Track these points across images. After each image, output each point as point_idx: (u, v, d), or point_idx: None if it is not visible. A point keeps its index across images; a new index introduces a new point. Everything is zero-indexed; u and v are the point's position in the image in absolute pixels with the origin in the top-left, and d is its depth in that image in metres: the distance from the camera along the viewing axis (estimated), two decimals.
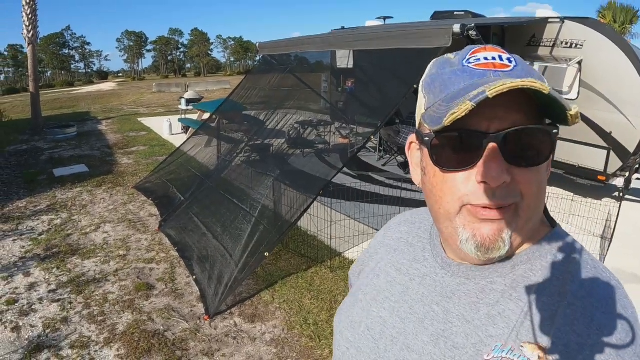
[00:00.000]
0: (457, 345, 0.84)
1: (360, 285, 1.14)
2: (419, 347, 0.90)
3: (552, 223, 0.95)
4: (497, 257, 0.83)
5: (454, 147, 0.80)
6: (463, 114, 0.71)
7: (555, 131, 0.80)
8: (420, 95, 0.88)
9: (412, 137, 0.95)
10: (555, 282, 0.83)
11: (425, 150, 0.85)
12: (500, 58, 0.80)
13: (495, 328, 0.82)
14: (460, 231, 0.83)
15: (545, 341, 0.76)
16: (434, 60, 0.90)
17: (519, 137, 0.77)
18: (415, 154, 0.95)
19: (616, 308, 0.78)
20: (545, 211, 0.94)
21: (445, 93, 0.79)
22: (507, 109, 0.77)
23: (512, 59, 0.80)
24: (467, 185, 0.80)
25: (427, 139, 0.83)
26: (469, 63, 0.81)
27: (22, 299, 4.98)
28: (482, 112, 0.75)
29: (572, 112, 0.73)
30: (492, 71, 0.78)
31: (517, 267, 0.87)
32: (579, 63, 7.80)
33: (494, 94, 0.69)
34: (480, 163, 0.77)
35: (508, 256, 0.87)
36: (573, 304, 0.78)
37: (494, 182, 0.76)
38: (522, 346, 0.77)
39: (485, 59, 0.80)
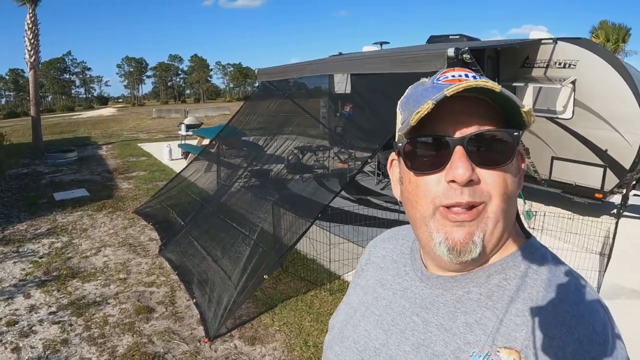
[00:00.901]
0: (437, 353, 0.89)
1: (351, 302, 1.19)
2: (401, 356, 0.95)
3: (527, 235, 1.00)
4: (470, 259, 0.88)
5: (425, 151, 0.89)
6: (426, 112, 0.81)
7: (515, 134, 0.86)
8: (398, 113, 0.97)
9: (393, 155, 1.03)
10: (528, 289, 0.87)
11: (402, 160, 0.93)
12: (467, 75, 0.88)
13: (473, 335, 0.86)
14: (434, 235, 0.89)
15: (519, 345, 0.81)
16: (411, 85, 0.98)
17: (483, 140, 0.85)
18: (395, 170, 1.02)
19: (587, 311, 0.82)
20: (520, 223, 1.01)
21: (416, 107, 0.86)
22: (471, 115, 0.86)
23: (477, 77, 0.87)
24: (438, 186, 0.87)
25: (400, 144, 0.92)
26: (439, 81, 0.89)
27: (23, 320, 5.00)
28: (450, 119, 0.86)
29: (525, 109, 0.83)
30: (456, 85, 0.84)
31: (492, 277, 0.92)
32: (573, 83, 7.90)
33: (451, 93, 0.80)
34: (449, 164, 0.85)
35: (483, 266, 0.93)
36: (545, 309, 0.83)
37: (460, 179, 0.83)
38: (498, 351, 0.82)
39: (453, 76, 0.88)
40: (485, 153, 0.85)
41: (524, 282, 0.89)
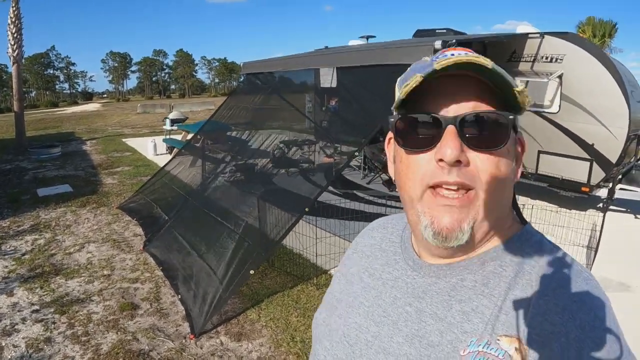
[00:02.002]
0: (432, 344, 0.87)
1: (332, 291, 1.17)
2: (394, 348, 0.92)
3: (523, 221, 0.98)
4: (456, 245, 0.85)
5: (417, 129, 0.87)
6: (414, 85, 0.80)
7: (511, 117, 0.84)
8: (396, 90, 0.92)
9: (390, 133, 0.98)
10: (526, 275, 0.85)
11: (394, 137, 0.92)
12: (466, 54, 0.83)
13: (470, 324, 0.84)
14: (421, 218, 0.87)
15: (520, 333, 0.78)
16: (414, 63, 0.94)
17: (476, 122, 0.83)
18: (391, 149, 0.99)
19: (588, 296, 0.80)
20: (517, 210, 0.98)
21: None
22: (465, 95, 0.84)
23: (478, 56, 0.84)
24: (427, 165, 0.84)
25: (392, 120, 0.90)
26: (437, 58, 0.84)
27: (5, 319, 4.92)
28: (443, 98, 0.85)
29: (519, 89, 0.81)
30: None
31: (487, 264, 0.90)
32: (560, 77, 7.92)
33: (440, 67, 0.78)
34: (439, 144, 0.83)
35: (477, 252, 0.91)
36: (545, 294, 0.81)
37: (448, 158, 0.80)
38: (498, 339, 0.80)
39: (452, 54, 0.83)
40: (477, 135, 0.83)
41: (521, 269, 0.87)
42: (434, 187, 0.84)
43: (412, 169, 0.87)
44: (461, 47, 0.89)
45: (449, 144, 0.80)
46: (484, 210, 0.84)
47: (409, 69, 0.92)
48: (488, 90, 0.84)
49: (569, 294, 0.80)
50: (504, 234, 0.92)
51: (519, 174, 0.93)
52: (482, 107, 0.83)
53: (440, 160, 0.82)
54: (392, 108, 0.91)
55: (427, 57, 0.91)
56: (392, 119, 0.90)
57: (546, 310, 0.78)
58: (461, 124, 0.82)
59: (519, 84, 0.81)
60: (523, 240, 0.92)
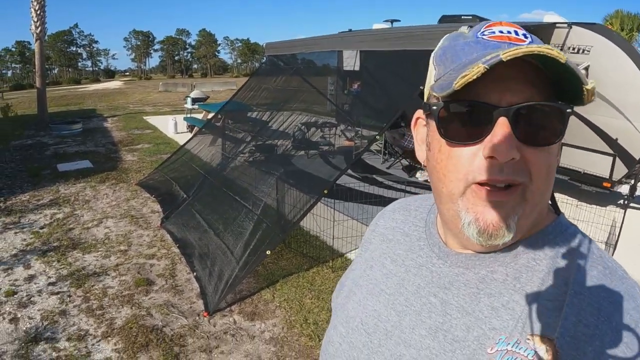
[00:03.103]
0: (457, 339, 0.81)
1: (353, 276, 1.11)
2: (416, 341, 0.86)
3: (557, 211, 0.92)
4: (501, 244, 0.79)
5: (463, 119, 0.77)
6: (475, 77, 0.67)
7: (569, 110, 0.75)
8: (431, 67, 0.85)
9: (419, 112, 0.90)
10: (561, 271, 0.79)
11: (432, 124, 0.81)
12: (516, 33, 0.77)
13: (499, 320, 0.78)
14: (462, 214, 0.79)
15: (552, 333, 0.73)
16: (447, 35, 0.86)
17: (531, 114, 0.74)
18: (421, 130, 0.90)
19: (624, 297, 0.75)
20: (552, 199, 0.91)
21: (456, 63, 0.76)
22: (520, 82, 0.73)
23: (527, 35, 0.77)
24: (473, 161, 0.76)
25: (435, 108, 0.79)
26: (483, 35, 0.78)
27: (21, 291, 4.96)
28: (495, 85, 0.73)
29: (589, 87, 0.70)
30: (506, 43, 0.74)
31: (519, 256, 0.83)
32: (586, 69, 7.77)
33: (508, 58, 0.66)
34: (489, 137, 0.73)
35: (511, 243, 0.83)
36: (580, 293, 0.75)
37: (502, 157, 0.72)
38: (528, 339, 0.74)
39: (501, 32, 0.77)
40: (532, 128, 0.74)
41: (554, 263, 0.81)
42: (479, 182, 0.76)
43: (453, 162, 0.79)
44: (506, 22, 0.80)
45: (503, 140, 0.72)
46: (530, 205, 0.77)
47: (444, 42, 0.85)
48: (544, 76, 0.74)
49: (604, 294, 0.75)
50: (539, 225, 0.85)
51: (559, 161, 0.84)
52: (537, 96, 0.74)
53: (491, 157, 0.73)
54: (434, 93, 0.78)
55: (465, 29, 0.84)
56: (435, 107, 0.79)
57: (580, 311, 0.73)
58: (515, 116, 0.73)
59: (589, 81, 0.70)
60: (557, 232, 0.85)
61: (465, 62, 0.74)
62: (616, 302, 0.74)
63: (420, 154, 0.92)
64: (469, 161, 0.76)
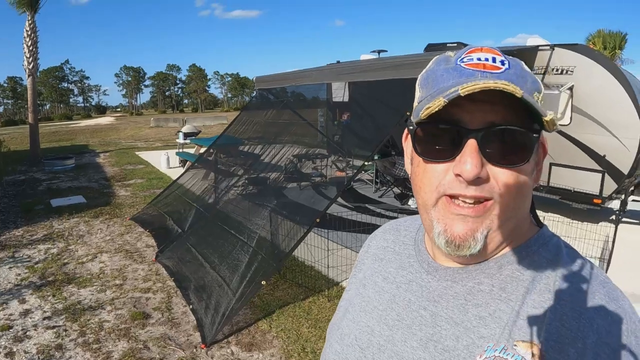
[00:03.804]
0: (447, 348, 0.85)
1: (348, 297, 1.14)
2: (408, 353, 0.90)
3: (539, 224, 0.95)
4: (468, 254, 0.83)
5: (436, 139, 0.83)
6: (436, 109, 0.76)
7: (535, 135, 0.80)
8: (417, 88, 0.91)
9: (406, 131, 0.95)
10: (544, 280, 0.83)
11: (411, 144, 0.88)
12: (494, 60, 0.82)
13: (487, 329, 0.82)
14: (434, 224, 0.85)
15: (537, 338, 0.77)
16: (436, 57, 0.91)
17: (500, 136, 0.79)
18: (409, 145, 0.95)
19: (605, 301, 0.79)
20: (534, 212, 0.96)
21: (434, 89, 0.82)
22: (492, 105, 0.78)
23: (505, 62, 0.82)
24: (445, 176, 0.82)
25: (411, 128, 0.86)
26: (462, 62, 0.83)
27: (17, 325, 4.95)
28: (467, 107, 0.79)
29: (547, 119, 0.76)
30: (480, 72, 0.80)
31: (504, 268, 0.87)
32: (570, 89, 7.93)
33: (465, 93, 0.73)
34: (458, 157, 0.79)
35: (495, 256, 0.89)
36: (562, 299, 0.79)
37: (467, 175, 0.77)
38: (515, 345, 0.78)
39: (478, 59, 0.82)
40: (500, 150, 0.79)
41: (538, 273, 0.85)
42: (450, 195, 0.82)
43: (428, 176, 0.84)
44: (487, 48, 0.85)
45: (469, 160, 0.77)
46: (500, 220, 0.82)
47: (431, 65, 0.90)
48: (516, 99, 0.76)
49: (586, 299, 0.79)
50: (521, 237, 0.90)
51: (539, 177, 0.90)
52: (509, 118, 0.78)
53: (458, 175, 0.79)
54: (412, 117, 0.87)
55: (451, 53, 0.89)
56: (412, 127, 0.86)
57: (563, 315, 0.77)
58: (483, 137, 0.78)
59: (548, 113, 0.76)
60: (540, 243, 0.90)
61: (440, 89, 0.80)
62: (598, 305, 0.78)
63: (407, 167, 0.97)
64: (442, 175, 0.82)
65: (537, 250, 0.89)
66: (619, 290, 0.83)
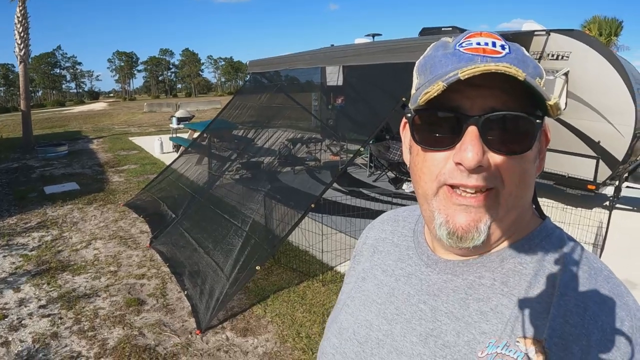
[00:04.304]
0: (448, 344, 0.83)
1: (348, 290, 1.12)
2: (407, 348, 0.88)
3: (542, 216, 0.93)
4: (471, 246, 0.81)
5: (435, 127, 0.80)
6: (435, 94, 0.72)
7: (538, 121, 0.77)
8: (414, 76, 0.88)
9: (405, 120, 0.92)
10: (547, 274, 0.81)
11: (410, 132, 0.85)
12: (494, 44, 0.79)
13: (488, 324, 0.80)
14: (435, 215, 0.82)
15: (540, 334, 0.75)
16: (434, 43, 0.88)
17: (502, 122, 0.76)
18: (407, 134, 0.92)
19: (610, 296, 0.77)
20: (536, 204, 0.93)
21: (433, 74, 0.79)
22: (493, 90, 0.75)
23: (506, 46, 0.79)
24: (445, 164, 0.79)
25: (409, 115, 0.83)
26: (461, 47, 0.79)
27: (12, 314, 4.95)
28: (467, 93, 0.76)
29: (551, 103, 0.73)
30: (480, 56, 0.76)
31: (506, 261, 0.85)
32: (566, 74, 7.91)
33: (466, 76, 0.70)
34: (459, 145, 0.76)
35: (496, 249, 0.86)
36: (565, 294, 0.77)
37: (468, 164, 0.74)
38: (517, 341, 0.76)
39: (478, 44, 0.79)
40: (502, 137, 0.76)
41: (541, 267, 0.83)
42: (451, 185, 0.79)
43: (427, 165, 0.82)
44: (487, 33, 0.82)
45: (470, 147, 0.74)
46: (503, 210, 0.80)
47: (429, 51, 0.87)
48: (517, 84, 0.73)
49: (590, 294, 0.77)
50: (523, 230, 0.88)
51: (542, 167, 0.87)
52: (511, 104, 0.75)
53: (459, 163, 0.76)
54: (409, 105, 0.83)
55: (449, 39, 0.86)
56: (410, 114, 0.83)
57: (567, 311, 0.75)
58: (484, 124, 0.75)
59: (552, 97, 0.73)
60: (543, 236, 0.87)
61: (440, 74, 0.77)
62: (602, 301, 0.76)
63: (406, 157, 0.95)
64: (442, 164, 0.79)
65: (539, 243, 0.86)
66: (623, 285, 0.82)
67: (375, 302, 0.99)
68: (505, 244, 0.87)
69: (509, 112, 0.76)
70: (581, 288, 0.78)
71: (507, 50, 0.78)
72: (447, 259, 0.91)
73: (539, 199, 0.94)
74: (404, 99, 5.00)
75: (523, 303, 0.79)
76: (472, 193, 0.78)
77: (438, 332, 0.85)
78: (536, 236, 0.87)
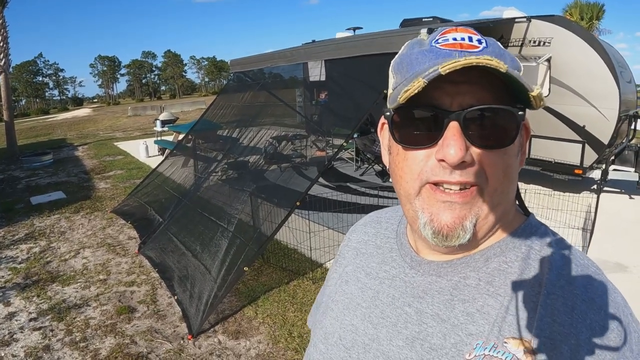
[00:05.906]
0: (435, 347, 0.82)
1: (329, 292, 1.11)
2: (394, 352, 0.87)
3: (526, 212, 0.93)
4: (457, 245, 0.80)
5: (415, 124, 0.79)
6: (416, 91, 0.71)
7: (520, 113, 0.76)
8: (390, 75, 0.87)
9: (383, 119, 0.90)
10: (533, 272, 0.81)
11: (389, 131, 0.84)
12: (470, 39, 0.78)
13: (475, 325, 0.79)
14: (419, 214, 0.81)
15: (528, 335, 0.74)
16: (408, 41, 0.88)
17: (483, 117, 0.75)
18: (385, 135, 0.92)
19: (597, 294, 0.77)
20: (520, 200, 0.93)
21: (410, 72, 0.78)
22: (472, 86, 0.75)
23: (482, 41, 0.79)
24: (427, 162, 0.78)
25: (388, 114, 0.82)
26: (437, 43, 0.79)
27: (3, 329, 4.92)
28: (447, 89, 0.75)
29: (534, 93, 0.72)
30: (457, 51, 0.76)
31: (490, 260, 0.84)
32: (548, 60, 7.94)
33: (447, 71, 0.68)
34: (441, 141, 0.76)
35: (480, 248, 0.86)
36: (552, 293, 0.77)
37: (451, 160, 0.73)
38: (505, 342, 0.75)
39: (454, 39, 0.78)
40: (484, 131, 0.76)
41: (527, 265, 0.82)
42: (434, 182, 0.78)
43: (408, 164, 0.81)
44: (462, 27, 0.82)
45: (452, 143, 0.73)
46: (488, 206, 0.79)
47: (404, 49, 0.87)
48: (497, 78, 0.74)
49: (578, 292, 0.76)
50: (507, 227, 0.87)
51: (524, 160, 0.86)
52: (490, 99, 0.75)
53: (442, 160, 0.75)
54: (388, 104, 0.83)
55: (423, 36, 0.86)
56: (388, 113, 0.81)
57: (554, 311, 0.75)
58: (466, 119, 0.75)
59: (534, 87, 0.72)
60: (528, 233, 0.87)
61: (417, 71, 0.76)
62: (590, 299, 0.75)
63: (385, 159, 0.93)
64: (424, 162, 0.78)
65: (524, 240, 0.86)
66: (611, 283, 0.81)
67: (360, 305, 0.98)
68: (489, 242, 0.86)
69: (488, 105, 0.75)
70: (568, 286, 0.77)
71: (484, 44, 0.78)
72: (431, 260, 0.90)
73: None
74: (385, 91, 5.01)
75: (509, 303, 0.79)
76: (456, 190, 0.77)
77: (424, 335, 0.84)
78: (521, 233, 0.87)
